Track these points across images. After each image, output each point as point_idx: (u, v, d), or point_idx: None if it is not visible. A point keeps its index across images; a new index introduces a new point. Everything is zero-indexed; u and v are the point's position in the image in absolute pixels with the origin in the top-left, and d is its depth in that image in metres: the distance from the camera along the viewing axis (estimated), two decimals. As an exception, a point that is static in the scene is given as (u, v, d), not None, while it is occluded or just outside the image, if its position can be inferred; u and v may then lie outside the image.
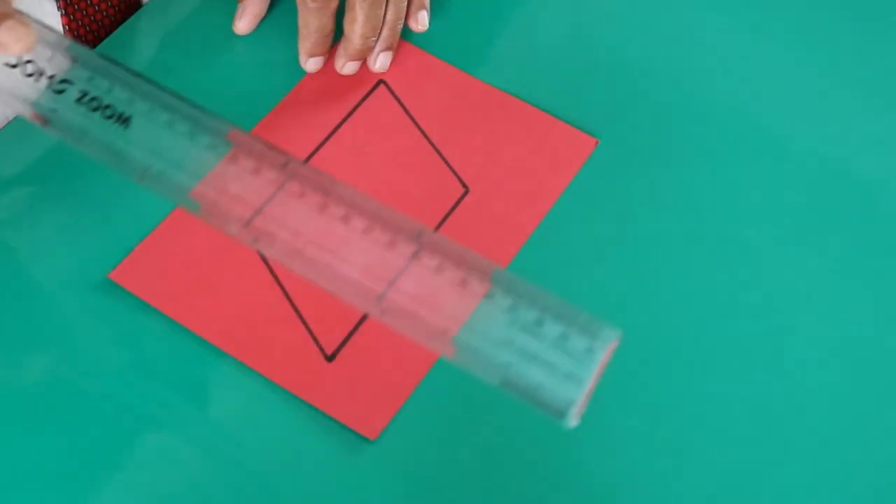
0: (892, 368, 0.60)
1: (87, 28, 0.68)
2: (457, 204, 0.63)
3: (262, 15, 0.70)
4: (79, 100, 0.49)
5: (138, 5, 0.71)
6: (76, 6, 0.67)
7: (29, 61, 0.49)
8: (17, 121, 0.65)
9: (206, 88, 0.65)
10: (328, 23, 0.66)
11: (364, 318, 0.59)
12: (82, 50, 0.50)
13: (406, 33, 0.69)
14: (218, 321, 0.58)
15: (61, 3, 0.66)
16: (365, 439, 0.56)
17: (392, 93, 0.68)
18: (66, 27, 0.67)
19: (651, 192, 0.65)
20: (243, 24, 0.70)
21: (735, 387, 0.58)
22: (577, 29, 0.72)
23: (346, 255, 0.44)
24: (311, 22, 0.65)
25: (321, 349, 0.58)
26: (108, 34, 0.69)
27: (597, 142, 0.66)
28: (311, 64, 0.67)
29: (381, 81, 0.68)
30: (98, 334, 0.58)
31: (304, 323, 0.59)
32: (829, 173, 0.66)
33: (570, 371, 0.41)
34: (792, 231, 0.64)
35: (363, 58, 0.68)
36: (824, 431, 0.57)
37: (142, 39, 0.69)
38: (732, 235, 0.63)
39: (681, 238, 0.63)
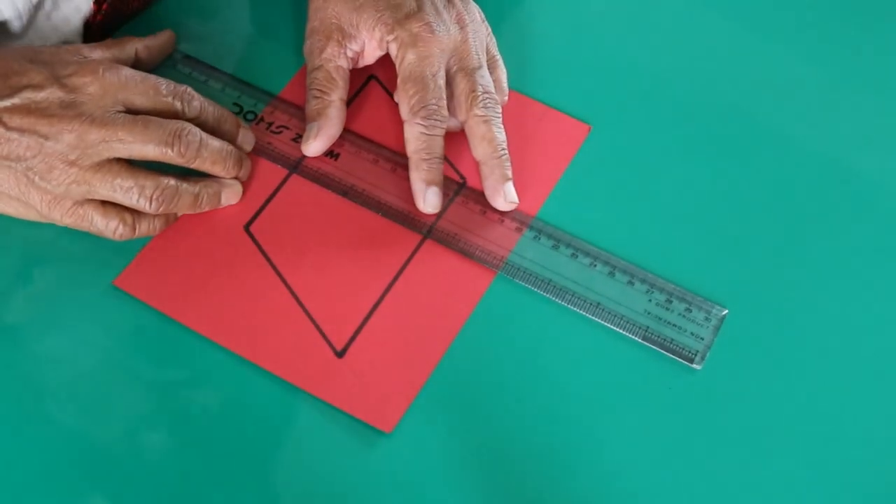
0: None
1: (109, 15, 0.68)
2: (455, 195, 0.63)
3: (336, 137, 0.65)
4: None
5: None
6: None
7: None
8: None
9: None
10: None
11: (371, 312, 0.59)
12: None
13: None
14: (225, 322, 0.58)
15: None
16: (380, 433, 0.55)
17: (383, 87, 0.67)
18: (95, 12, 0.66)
19: (643, 174, 0.65)
20: (318, 145, 0.64)
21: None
22: (570, 23, 0.72)
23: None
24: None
25: (331, 345, 0.58)
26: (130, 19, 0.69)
27: (590, 128, 0.66)
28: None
29: (371, 76, 0.68)
30: (106, 341, 0.58)
31: (312, 320, 0.58)
32: (811, 149, 0.67)
33: (693, 331, 0.59)
34: (783, 211, 0.64)
35: None
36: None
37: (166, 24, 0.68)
38: (726, 211, 0.64)
39: (676, 216, 0.64)
